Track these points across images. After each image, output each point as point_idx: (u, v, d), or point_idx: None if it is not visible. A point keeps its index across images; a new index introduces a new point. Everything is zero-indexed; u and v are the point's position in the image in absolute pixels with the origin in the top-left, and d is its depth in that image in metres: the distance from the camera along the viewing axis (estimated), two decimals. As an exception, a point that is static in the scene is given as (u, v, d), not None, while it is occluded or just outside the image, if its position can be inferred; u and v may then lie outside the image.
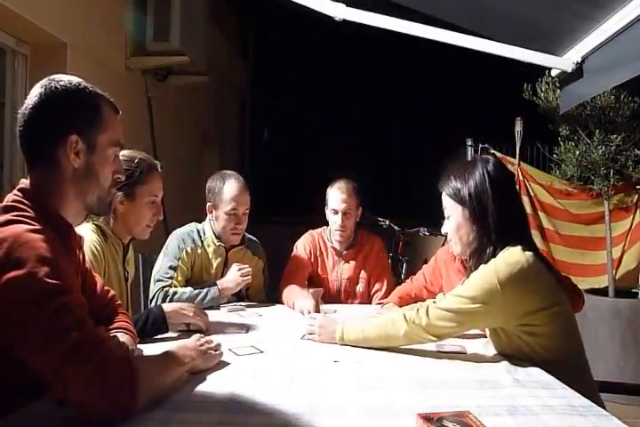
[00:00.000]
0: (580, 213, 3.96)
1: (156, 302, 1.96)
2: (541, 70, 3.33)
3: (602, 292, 3.56)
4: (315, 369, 1.27)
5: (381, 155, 7.76)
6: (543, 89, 3.71)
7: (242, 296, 2.26)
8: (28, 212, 1.00)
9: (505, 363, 1.32)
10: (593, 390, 1.32)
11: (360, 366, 1.31)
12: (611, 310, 3.41)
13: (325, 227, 2.52)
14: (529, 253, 1.32)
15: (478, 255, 1.39)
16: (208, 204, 2.22)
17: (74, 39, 2.88)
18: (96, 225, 1.65)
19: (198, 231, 2.22)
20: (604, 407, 1.08)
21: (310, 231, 2.55)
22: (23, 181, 1.08)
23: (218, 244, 2.21)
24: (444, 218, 1.52)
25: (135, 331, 1.33)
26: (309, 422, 0.94)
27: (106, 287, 1.34)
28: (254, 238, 2.39)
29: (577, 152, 3.60)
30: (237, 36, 6.94)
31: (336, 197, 2.37)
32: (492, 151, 4.07)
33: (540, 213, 3.98)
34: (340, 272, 2.46)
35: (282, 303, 2.20)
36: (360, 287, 2.45)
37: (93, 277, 1.29)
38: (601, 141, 3.53)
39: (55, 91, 1.05)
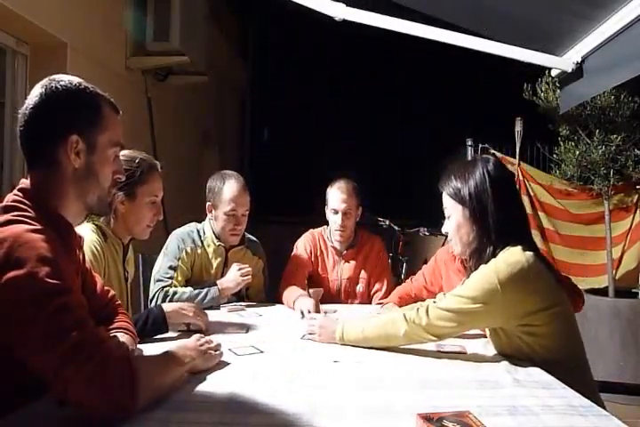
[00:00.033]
0: (580, 213, 3.96)
1: (156, 301, 1.96)
2: (541, 70, 3.33)
3: (602, 292, 3.56)
4: (315, 369, 1.27)
5: (381, 155, 7.76)
6: (543, 89, 3.71)
7: (242, 296, 2.26)
8: (29, 212, 1.00)
9: (505, 363, 1.32)
10: (593, 390, 1.32)
11: (360, 366, 1.31)
12: (611, 310, 3.41)
13: (326, 227, 2.52)
14: (529, 253, 1.32)
15: (478, 255, 1.39)
16: (208, 203, 2.22)
17: (74, 39, 2.88)
18: (96, 225, 1.65)
19: (198, 231, 2.22)
20: (604, 407, 1.08)
21: (311, 230, 2.55)
22: (23, 181, 1.08)
23: (218, 244, 2.21)
24: (444, 218, 1.52)
25: (135, 331, 1.33)
26: (309, 422, 0.94)
27: (106, 287, 1.34)
28: (254, 238, 2.39)
29: (577, 152, 3.60)
30: (237, 36, 6.94)
31: (336, 196, 2.37)
32: (492, 151, 4.07)
33: (539, 213, 3.98)
34: (340, 272, 2.46)
35: (282, 303, 2.20)
36: (360, 287, 2.45)
37: (93, 277, 1.29)
38: (601, 141, 3.53)
39: (56, 91, 1.05)
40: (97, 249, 1.58)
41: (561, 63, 2.12)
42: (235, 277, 2.07)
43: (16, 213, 0.98)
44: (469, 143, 4.27)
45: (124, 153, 1.51)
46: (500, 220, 1.36)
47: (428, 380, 1.20)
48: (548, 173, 4.05)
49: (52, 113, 1.05)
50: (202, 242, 2.20)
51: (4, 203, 1.03)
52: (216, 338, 1.35)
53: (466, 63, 4.74)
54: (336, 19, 2.07)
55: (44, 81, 1.07)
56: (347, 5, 2.06)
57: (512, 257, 1.31)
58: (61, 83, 1.06)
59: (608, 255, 3.62)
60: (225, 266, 2.20)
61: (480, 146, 4.16)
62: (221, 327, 1.68)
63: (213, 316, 1.78)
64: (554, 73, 2.31)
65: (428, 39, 2.06)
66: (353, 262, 2.46)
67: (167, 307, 1.59)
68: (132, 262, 1.88)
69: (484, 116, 6.32)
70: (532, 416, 0.98)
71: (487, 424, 0.91)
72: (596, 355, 3.03)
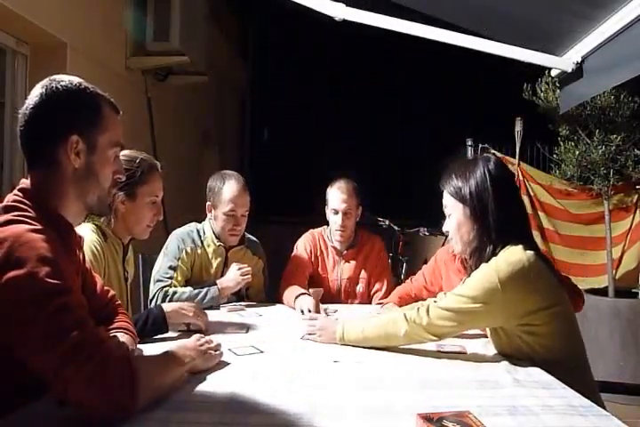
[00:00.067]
0: (579, 213, 3.97)
1: (156, 301, 1.96)
2: (541, 70, 3.33)
3: (602, 292, 3.56)
4: (315, 369, 1.27)
5: (381, 155, 7.76)
6: (543, 89, 3.71)
7: (242, 296, 2.26)
8: (29, 212, 1.00)
9: (505, 363, 1.32)
10: (593, 390, 1.32)
11: (360, 366, 1.31)
12: (611, 310, 3.41)
13: (326, 227, 2.52)
14: (530, 253, 1.33)
15: (479, 254, 1.40)
16: (207, 203, 2.22)
17: (74, 39, 2.88)
18: (96, 225, 1.65)
19: (198, 231, 2.22)
20: (604, 407, 1.08)
21: (311, 231, 2.55)
22: (23, 181, 1.08)
23: (218, 244, 2.21)
24: (444, 218, 1.52)
25: (135, 331, 1.33)
26: (309, 422, 0.94)
27: (106, 287, 1.34)
28: (254, 238, 2.39)
29: (577, 152, 3.60)
30: (237, 36, 6.94)
31: (336, 196, 2.38)
32: (492, 151, 4.07)
33: (539, 213, 3.98)
34: (340, 272, 2.46)
35: (282, 303, 2.20)
36: (360, 287, 2.45)
37: (93, 277, 1.29)
38: (601, 141, 3.53)
39: (56, 91, 1.05)
40: (97, 249, 1.58)
41: (561, 63, 2.12)
42: (234, 276, 2.07)
43: (16, 213, 0.98)
44: (469, 143, 4.27)
45: (124, 153, 1.51)
46: (500, 218, 1.37)
47: (427, 380, 1.20)
48: (547, 173, 4.05)
49: (52, 113, 1.05)
50: (202, 242, 2.20)
51: (5, 203, 1.03)
52: (216, 338, 1.35)
53: (466, 63, 4.75)
54: (336, 19, 2.07)
55: (45, 81, 1.07)
56: (346, 5, 2.06)
57: (513, 256, 1.32)
58: (62, 83, 1.06)
59: (608, 255, 3.62)
60: (225, 266, 2.20)
61: (480, 146, 4.16)
62: (221, 327, 1.68)
63: (213, 316, 1.78)
64: (554, 73, 2.31)
65: (428, 39, 2.06)
66: (353, 262, 2.46)
67: (167, 307, 1.59)
68: (132, 262, 1.88)
69: (483, 116, 6.32)
70: (532, 416, 0.98)
71: (487, 424, 0.91)
72: (596, 355, 3.03)
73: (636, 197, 3.84)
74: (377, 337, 1.44)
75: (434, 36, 2.05)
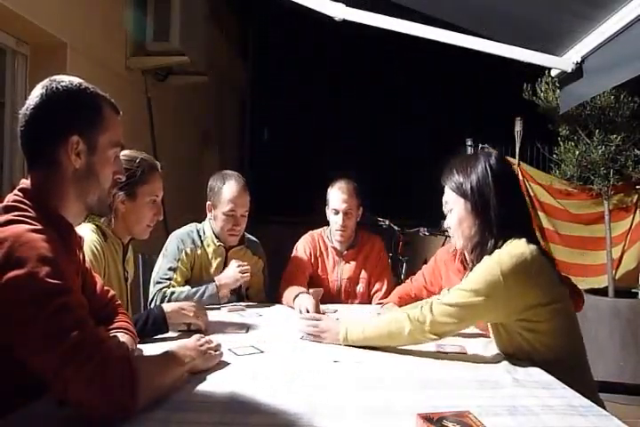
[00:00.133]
0: (579, 213, 3.97)
1: (155, 303, 1.96)
2: (541, 70, 3.33)
3: (602, 292, 3.56)
4: (315, 369, 1.27)
5: (381, 155, 7.76)
6: (543, 89, 3.71)
7: (242, 296, 2.26)
8: (29, 212, 1.00)
9: (505, 363, 1.32)
10: (593, 390, 1.32)
11: (360, 366, 1.31)
12: (611, 310, 3.41)
13: (326, 227, 2.52)
14: (533, 246, 1.33)
15: (480, 249, 1.40)
16: (207, 203, 2.22)
17: (74, 39, 2.88)
18: (96, 225, 1.65)
19: (198, 231, 2.22)
20: (604, 407, 1.08)
21: (310, 232, 2.55)
22: (24, 181, 1.08)
23: (218, 244, 2.21)
24: (443, 218, 1.52)
25: (135, 331, 1.33)
26: (309, 422, 0.94)
27: (106, 287, 1.34)
28: (254, 238, 2.39)
29: (577, 152, 3.60)
30: (237, 36, 6.94)
31: (337, 197, 2.38)
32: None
33: (539, 213, 3.98)
34: (340, 272, 2.46)
35: (282, 303, 2.20)
36: (360, 287, 2.45)
37: (93, 277, 1.29)
38: (601, 141, 3.53)
39: (56, 91, 1.05)
40: (97, 249, 1.58)
41: (561, 63, 2.12)
42: (233, 273, 2.07)
43: (16, 213, 0.98)
44: (469, 143, 4.28)
45: (124, 153, 1.51)
46: (501, 213, 1.37)
47: (427, 380, 1.20)
48: (547, 173, 4.06)
49: (52, 113, 1.05)
50: (202, 242, 2.20)
51: (5, 203, 1.03)
52: (216, 338, 1.35)
53: (466, 63, 4.75)
54: (336, 19, 2.07)
55: (45, 81, 1.07)
56: (346, 5, 2.06)
57: (516, 249, 1.32)
58: (62, 83, 1.06)
59: (608, 255, 3.62)
60: (225, 266, 2.19)
61: (480, 146, 4.16)
62: (221, 327, 1.68)
63: (213, 316, 1.78)
64: (554, 73, 2.31)
65: (428, 39, 2.06)
66: (353, 263, 2.46)
67: (167, 307, 1.59)
68: (132, 262, 1.88)
69: (483, 116, 6.33)
70: (532, 416, 0.99)
71: (487, 424, 0.91)
72: (596, 355, 3.03)
73: (635, 197, 3.84)
74: (380, 337, 1.44)
75: (434, 36, 2.05)
